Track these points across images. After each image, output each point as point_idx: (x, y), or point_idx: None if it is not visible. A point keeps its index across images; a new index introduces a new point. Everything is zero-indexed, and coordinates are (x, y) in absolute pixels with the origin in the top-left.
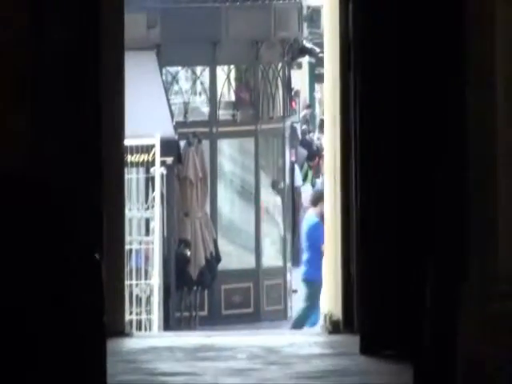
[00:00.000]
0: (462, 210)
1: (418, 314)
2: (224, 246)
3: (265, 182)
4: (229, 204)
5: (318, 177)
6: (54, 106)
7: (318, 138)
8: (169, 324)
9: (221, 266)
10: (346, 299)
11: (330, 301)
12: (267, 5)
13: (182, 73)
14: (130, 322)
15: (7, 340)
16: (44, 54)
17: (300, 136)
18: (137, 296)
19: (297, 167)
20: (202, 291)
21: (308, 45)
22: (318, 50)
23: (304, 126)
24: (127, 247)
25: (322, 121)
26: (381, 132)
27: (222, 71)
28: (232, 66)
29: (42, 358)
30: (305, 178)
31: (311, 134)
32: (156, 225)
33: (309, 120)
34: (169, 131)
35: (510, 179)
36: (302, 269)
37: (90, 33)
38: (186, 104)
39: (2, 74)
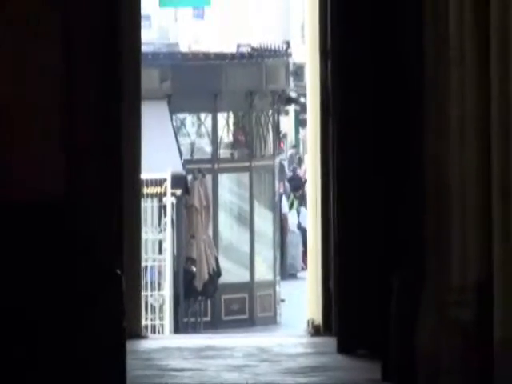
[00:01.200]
0: (420, 236)
1: (386, 319)
2: (224, 263)
3: (258, 209)
4: (228, 228)
5: (303, 205)
6: (86, 148)
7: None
8: (178, 328)
9: (221, 280)
10: (326, 308)
11: (313, 310)
12: (259, 62)
13: (189, 119)
14: (146, 326)
15: (54, 338)
16: (76, 104)
17: (287, 171)
18: (151, 305)
19: (284, 197)
20: (205, 301)
21: (293, 95)
22: (302, 99)
23: (294, 164)
24: (143, 264)
25: (299, 158)
26: (355, 168)
27: (222, 117)
28: (230, 113)
29: (78, 351)
30: (291, 206)
31: (297, 170)
32: (167, 245)
33: (294, 158)
34: (178, 167)
35: (462, 203)
36: None
37: (112, 85)
38: (192, 144)
39: (43, 119)
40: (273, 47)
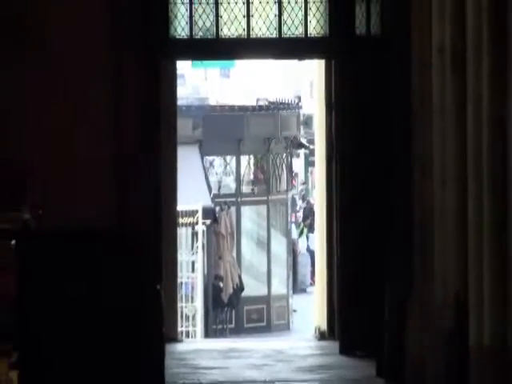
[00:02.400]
0: (408, 256)
1: (379, 326)
2: (245, 280)
3: (274, 235)
4: (249, 251)
5: (313, 232)
6: (132, 187)
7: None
8: (207, 333)
9: (243, 294)
10: (330, 317)
11: (319, 318)
12: (275, 113)
13: (217, 160)
14: (181, 332)
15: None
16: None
17: (299, 203)
18: (185, 314)
19: (293, 226)
20: (230, 311)
21: (304, 141)
22: (310, 144)
23: (308, 196)
24: (179, 280)
25: (303, 195)
26: (354, 201)
27: (244, 159)
28: (251, 156)
29: (128, 351)
30: (301, 233)
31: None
32: (199, 265)
33: (304, 193)
34: (207, 201)
35: (443, 230)
36: None
37: (153, 134)
38: (219, 182)
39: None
40: (286, 101)
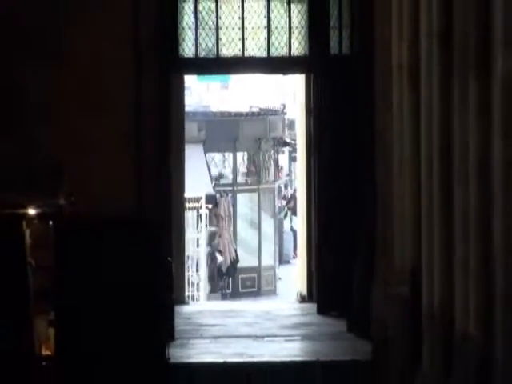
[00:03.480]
0: (373, 236)
1: (349, 292)
2: (240, 253)
3: (264, 217)
4: (243, 230)
5: (295, 213)
6: (148, 178)
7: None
8: (210, 298)
9: (239, 265)
10: (309, 284)
11: (300, 285)
12: (265, 118)
13: (217, 156)
14: (188, 296)
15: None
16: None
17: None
18: (192, 282)
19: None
20: (228, 279)
21: (288, 140)
22: (294, 142)
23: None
24: (186, 254)
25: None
26: (330, 189)
27: (239, 155)
28: (245, 152)
29: (144, 311)
30: (285, 215)
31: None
32: (202, 241)
33: (287, 183)
34: (210, 189)
35: (401, 216)
36: None
37: (165, 134)
38: (219, 174)
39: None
40: (274, 108)
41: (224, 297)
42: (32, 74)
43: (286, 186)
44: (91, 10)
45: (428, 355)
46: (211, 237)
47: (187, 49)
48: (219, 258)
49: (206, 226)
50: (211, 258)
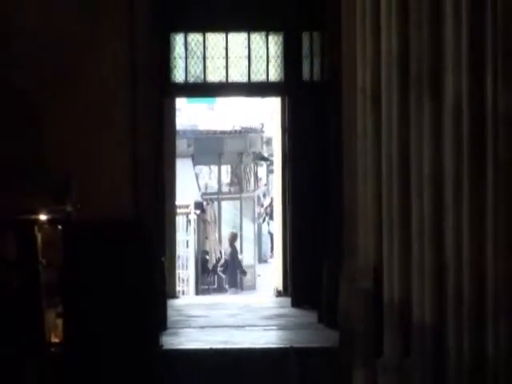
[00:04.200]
0: (340, 238)
1: (320, 287)
2: (226, 254)
3: (245, 222)
4: (227, 233)
5: (272, 218)
6: (144, 186)
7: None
8: (197, 292)
9: (223, 264)
10: (284, 280)
11: (277, 281)
12: (245, 135)
13: (204, 169)
14: (178, 291)
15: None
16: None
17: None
18: (182, 278)
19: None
20: (213, 275)
21: (266, 155)
22: (271, 157)
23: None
24: (177, 254)
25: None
26: (302, 198)
27: (224, 168)
28: (229, 166)
29: (141, 304)
30: (263, 220)
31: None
32: (191, 243)
33: (265, 192)
34: (198, 197)
35: (365, 220)
36: None
37: (159, 150)
38: (205, 184)
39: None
40: (253, 126)
41: (209, 292)
42: (45, 94)
43: (264, 195)
44: (95, 38)
45: (388, 343)
46: (199, 239)
47: (178, 75)
48: (206, 258)
49: (194, 229)
50: (201, 258)
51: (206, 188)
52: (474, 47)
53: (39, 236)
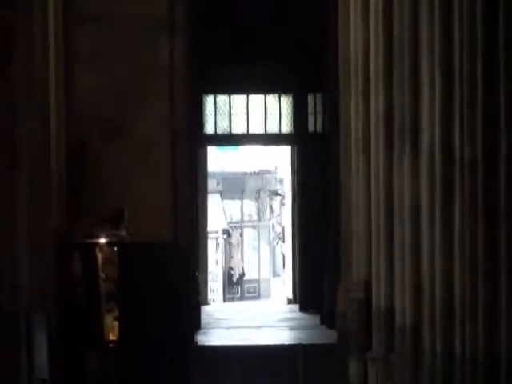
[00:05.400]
0: (338, 257)
1: (322, 296)
2: (246, 270)
3: (262, 244)
4: (248, 253)
5: (284, 242)
6: (182, 217)
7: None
8: (225, 300)
9: (245, 278)
10: (294, 290)
11: (287, 291)
12: (263, 175)
13: (230, 202)
14: (209, 299)
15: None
16: (177, 200)
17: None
18: (212, 288)
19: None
20: (237, 287)
21: (279, 191)
22: (283, 193)
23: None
24: (209, 269)
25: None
26: (308, 225)
27: (245, 202)
28: (249, 200)
29: (180, 310)
30: (277, 243)
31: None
32: (219, 261)
33: (279, 221)
34: (224, 225)
35: (359, 243)
36: None
37: (194, 187)
38: (231, 215)
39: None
40: (269, 169)
41: (234, 299)
42: (102, 143)
43: (278, 223)
44: (142, 96)
45: (376, 340)
46: (226, 258)
47: (209, 128)
48: (231, 273)
49: (222, 250)
50: (228, 273)
51: (232, 218)
52: (444, 106)
53: (100, 255)
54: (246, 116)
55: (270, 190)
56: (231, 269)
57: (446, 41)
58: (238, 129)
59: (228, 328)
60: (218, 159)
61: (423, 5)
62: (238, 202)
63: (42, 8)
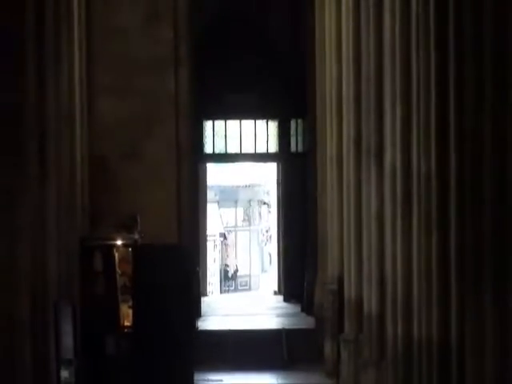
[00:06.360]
0: (316, 256)
1: (302, 288)
2: (239, 267)
3: (252, 245)
4: (241, 253)
5: (270, 243)
6: (185, 223)
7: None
8: (221, 292)
9: (238, 273)
10: (279, 284)
11: (274, 284)
12: (253, 187)
13: (226, 210)
14: (208, 291)
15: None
16: (181, 209)
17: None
18: (210, 282)
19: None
20: (232, 281)
21: (266, 201)
22: (270, 203)
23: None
24: (207, 266)
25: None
26: (291, 230)
27: (238, 210)
28: (242, 208)
29: (183, 300)
30: (265, 244)
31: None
32: (217, 259)
33: (267, 226)
34: (221, 229)
35: (332, 245)
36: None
37: (195, 197)
38: (227, 221)
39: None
40: (258, 182)
41: (229, 291)
42: (118, 159)
43: (265, 228)
44: (152, 121)
45: (348, 326)
46: (222, 256)
47: (208, 148)
48: (226, 269)
49: (219, 250)
50: (224, 269)
51: (227, 223)
52: (404, 130)
53: (116, 255)
54: (239, 138)
55: (258, 200)
56: (227, 266)
57: (405, 74)
58: (233, 149)
59: (224, 315)
60: (215, 174)
61: (386, 46)
62: (232, 210)
63: (68, 49)
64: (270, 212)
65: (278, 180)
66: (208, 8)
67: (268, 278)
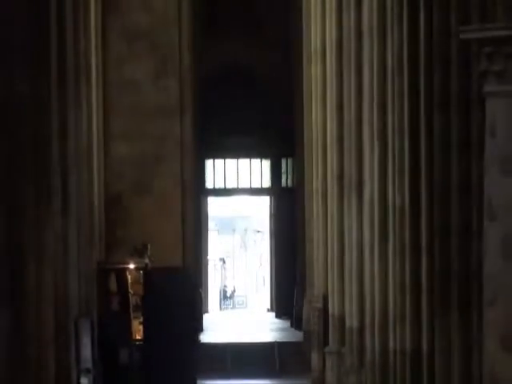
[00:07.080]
0: (304, 275)
1: (293, 305)
2: (237, 287)
3: (248, 268)
4: (239, 275)
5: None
6: (188, 248)
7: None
8: (220, 309)
9: (236, 293)
10: (271, 302)
11: (266, 303)
12: (248, 218)
13: (225, 237)
14: (209, 308)
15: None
16: (185, 236)
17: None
18: (211, 301)
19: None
20: (230, 299)
21: (260, 230)
22: (263, 231)
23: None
24: (209, 286)
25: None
26: (281, 253)
27: (236, 237)
28: (239, 236)
29: (188, 317)
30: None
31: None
32: (217, 280)
33: (260, 251)
34: (221, 255)
35: (318, 260)
36: None
37: (198, 225)
38: (226, 247)
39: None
40: (253, 213)
41: (227, 309)
42: (131, 193)
43: (259, 253)
44: (160, 160)
45: (332, 339)
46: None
47: (209, 184)
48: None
49: (219, 273)
50: (223, 290)
51: (226, 249)
52: (381, 167)
53: (129, 277)
54: (236, 175)
55: (253, 229)
56: (225, 286)
57: (382, 119)
58: (231, 184)
59: (223, 330)
60: (215, 206)
61: (365, 95)
62: (230, 238)
63: (87, 97)
64: (263, 239)
65: (270, 211)
66: (209, 60)
67: (262, 297)
